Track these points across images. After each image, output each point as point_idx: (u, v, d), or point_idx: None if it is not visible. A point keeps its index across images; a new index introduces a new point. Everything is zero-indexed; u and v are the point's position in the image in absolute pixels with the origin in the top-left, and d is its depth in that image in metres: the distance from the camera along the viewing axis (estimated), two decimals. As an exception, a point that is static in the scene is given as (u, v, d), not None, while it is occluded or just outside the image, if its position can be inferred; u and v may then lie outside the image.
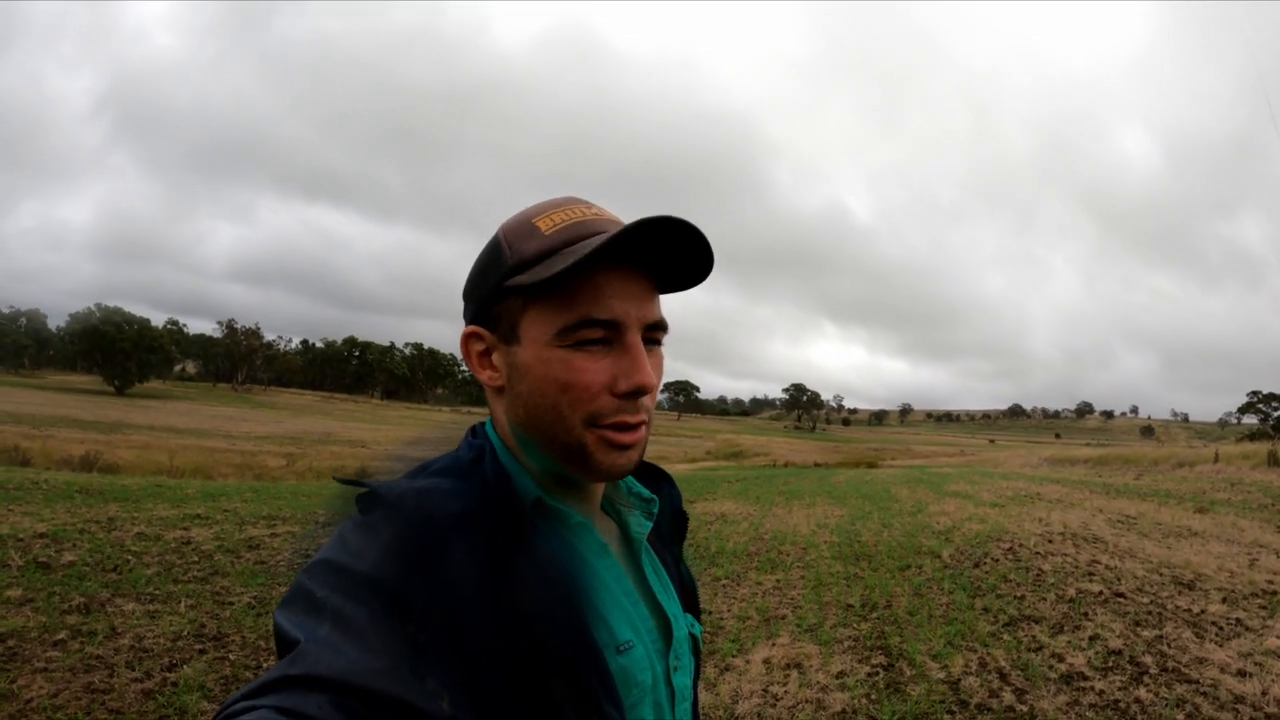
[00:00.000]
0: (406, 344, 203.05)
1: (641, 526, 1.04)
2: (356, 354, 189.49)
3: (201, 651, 5.44)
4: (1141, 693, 5.30)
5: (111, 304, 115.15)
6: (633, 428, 0.89)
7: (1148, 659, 5.97)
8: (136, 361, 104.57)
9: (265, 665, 5.27)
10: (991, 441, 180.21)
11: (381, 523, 0.79)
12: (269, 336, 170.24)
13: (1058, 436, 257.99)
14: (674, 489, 1.16)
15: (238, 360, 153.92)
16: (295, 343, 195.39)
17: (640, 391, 0.88)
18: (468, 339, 0.95)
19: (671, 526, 1.14)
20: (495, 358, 0.93)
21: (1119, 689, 5.38)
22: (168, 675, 4.99)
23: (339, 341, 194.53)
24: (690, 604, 1.10)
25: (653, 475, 1.14)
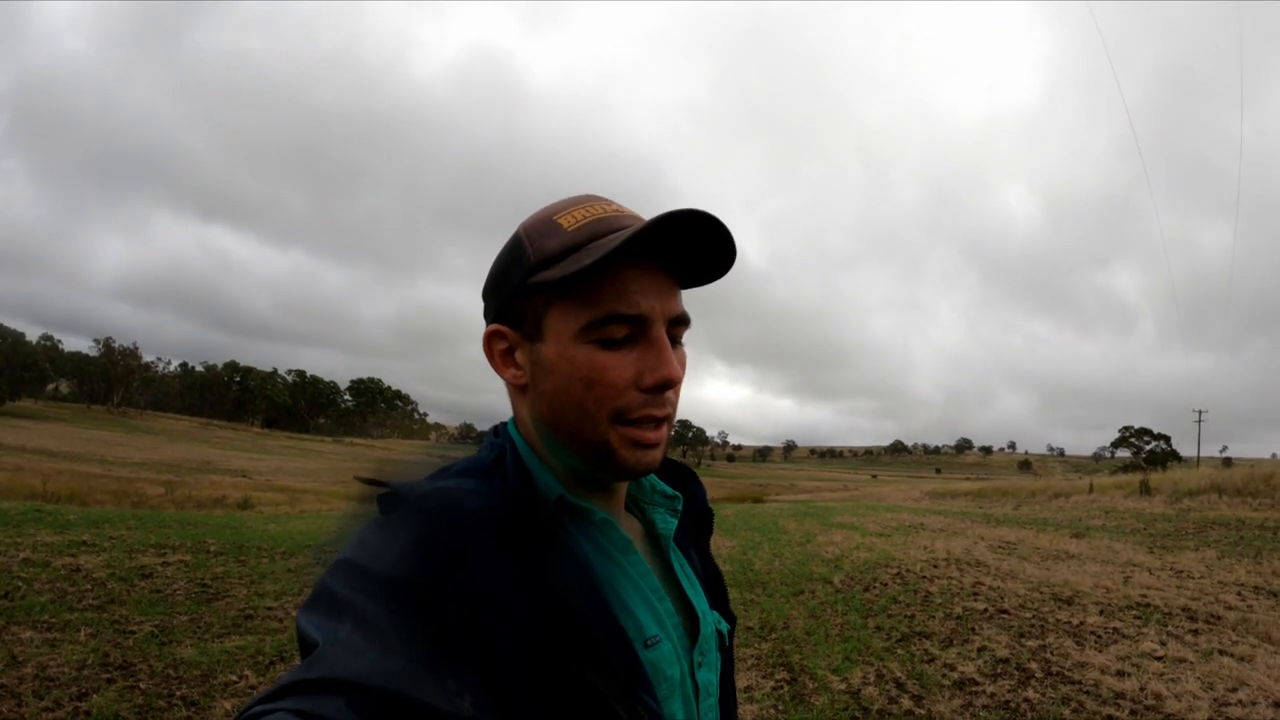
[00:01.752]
0: (289, 371, 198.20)
1: (667, 524, 1.05)
2: (237, 380, 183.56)
3: (110, 680, 5.29)
4: (1030, 694, 5.64)
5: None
6: (656, 424, 0.90)
7: (1033, 665, 6.33)
8: (8, 378, 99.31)
9: (177, 695, 5.17)
10: (874, 477, 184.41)
11: (402, 523, 0.79)
12: (148, 358, 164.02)
13: (938, 471, 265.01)
14: (699, 487, 1.16)
15: (114, 381, 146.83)
16: (174, 365, 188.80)
17: (666, 385, 0.88)
18: (490, 338, 0.95)
19: (697, 524, 1.14)
20: (519, 356, 0.93)
21: (1009, 691, 5.71)
22: (79, 705, 4.85)
23: (219, 366, 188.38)
24: (718, 601, 1.10)
25: (677, 473, 1.14)
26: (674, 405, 0.92)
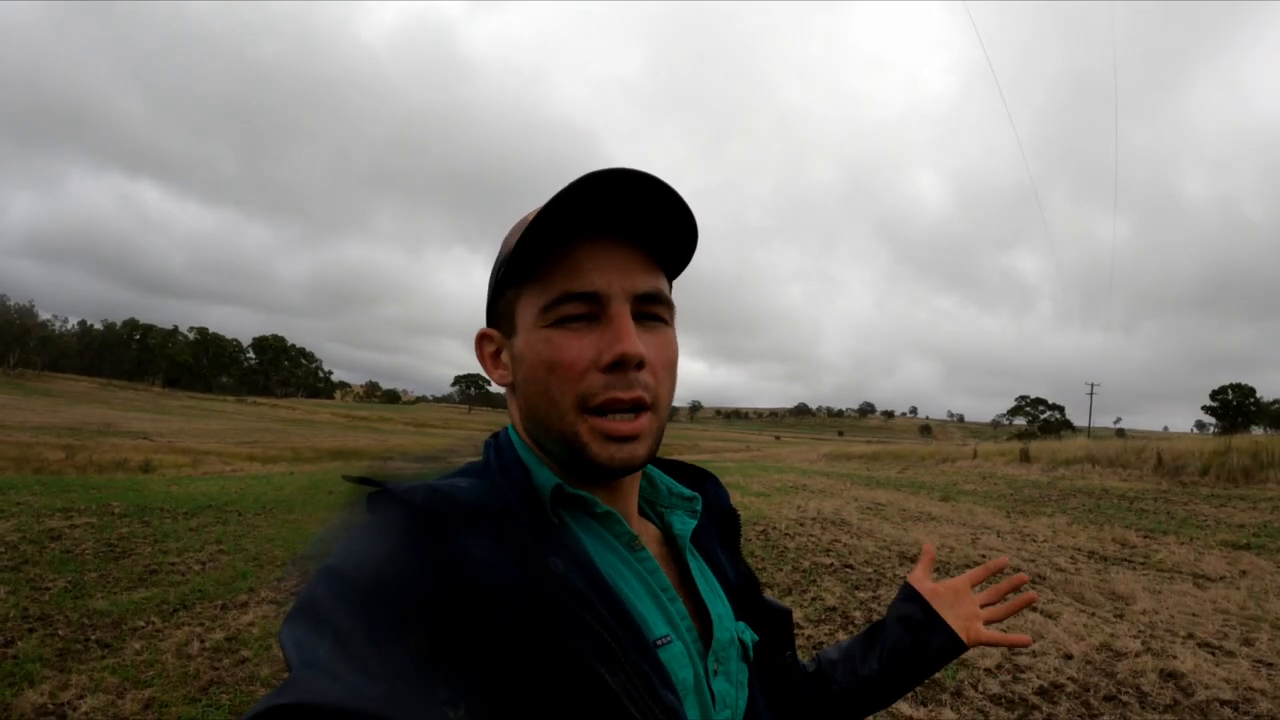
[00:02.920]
0: (191, 329, 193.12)
1: (684, 525, 0.99)
2: (137, 338, 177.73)
3: (31, 630, 5.80)
4: (843, 638, 6.44)
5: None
6: (628, 411, 0.84)
7: (857, 614, 7.13)
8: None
9: (92, 639, 5.70)
10: (778, 438, 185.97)
11: (389, 521, 0.76)
12: (44, 315, 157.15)
13: (840, 434, 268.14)
14: (719, 488, 1.12)
15: (9, 341, 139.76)
16: (72, 323, 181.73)
17: (623, 361, 0.81)
18: (480, 342, 0.94)
19: (721, 525, 1.09)
20: (503, 356, 0.91)
21: (826, 635, 6.47)
22: (5, 650, 5.35)
23: (119, 324, 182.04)
24: (750, 608, 1.02)
25: (694, 475, 1.10)
26: (650, 389, 0.85)
